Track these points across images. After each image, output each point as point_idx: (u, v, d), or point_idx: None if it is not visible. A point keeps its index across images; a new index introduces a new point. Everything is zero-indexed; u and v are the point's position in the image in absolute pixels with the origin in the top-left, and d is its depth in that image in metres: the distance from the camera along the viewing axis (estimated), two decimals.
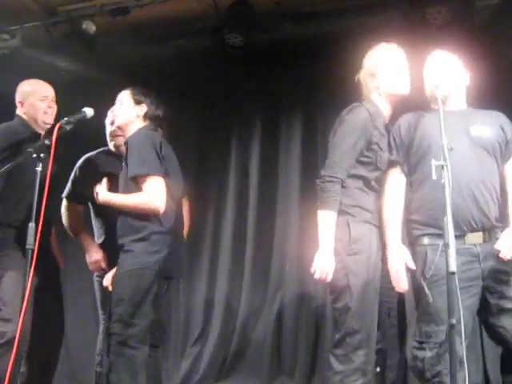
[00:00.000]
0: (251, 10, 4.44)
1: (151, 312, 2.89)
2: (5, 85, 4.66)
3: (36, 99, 3.34)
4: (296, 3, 4.47)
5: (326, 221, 2.71)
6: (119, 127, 3.20)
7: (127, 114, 3.16)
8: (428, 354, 2.54)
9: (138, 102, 3.16)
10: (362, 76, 2.99)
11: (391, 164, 2.82)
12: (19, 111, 3.37)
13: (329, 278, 2.66)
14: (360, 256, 2.70)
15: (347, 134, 2.80)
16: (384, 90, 2.91)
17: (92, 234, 3.56)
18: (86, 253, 3.44)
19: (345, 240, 2.71)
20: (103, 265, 3.37)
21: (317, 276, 2.67)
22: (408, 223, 2.77)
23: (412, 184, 2.78)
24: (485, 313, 2.66)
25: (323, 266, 2.66)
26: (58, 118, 3.28)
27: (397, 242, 2.70)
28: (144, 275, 2.86)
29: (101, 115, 3.22)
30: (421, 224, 2.70)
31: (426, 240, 2.66)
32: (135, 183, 2.93)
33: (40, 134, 3.27)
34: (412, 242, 2.73)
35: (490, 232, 2.65)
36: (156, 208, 2.88)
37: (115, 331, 2.86)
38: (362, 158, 2.79)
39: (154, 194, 2.88)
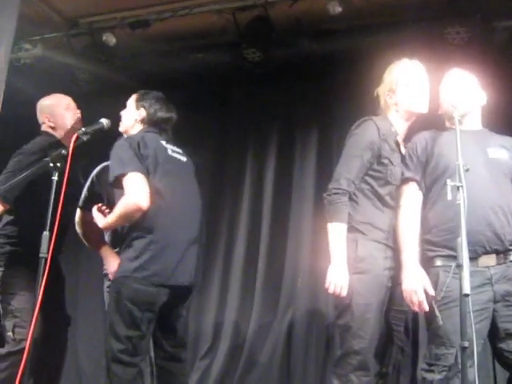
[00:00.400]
0: (270, 26, 4.49)
1: (145, 323, 2.74)
2: (26, 93, 4.75)
3: (61, 109, 3.41)
4: (315, 20, 4.50)
5: (336, 233, 2.67)
6: (123, 133, 3.17)
7: (128, 120, 3.15)
8: (437, 376, 2.47)
9: (138, 107, 3.13)
10: (381, 91, 2.96)
11: (408, 181, 2.77)
12: (45, 127, 3.41)
13: (344, 293, 2.61)
14: (364, 275, 2.65)
15: (354, 146, 2.79)
16: (402, 106, 2.89)
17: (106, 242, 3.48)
18: (106, 263, 3.33)
19: (351, 258, 2.65)
20: None
21: (331, 291, 2.63)
22: (421, 242, 2.70)
23: (426, 202, 2.73)
24: (493, 337, 2.59)
25: (337, 280, 2.61)
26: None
27: (414, 263, 2.61)
28: (124, 283, 2.75)
29: (119, 124, 3.24)
30: (434, 245, 2.64)
31: (438, 262, 2.60)
32: (119, 187, 2.83)
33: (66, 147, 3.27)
34: (424, 262, 2.65)
35: (504, 254, 2.60)
36: (137, 204, 2.71)
37: (106, 346, 2.76)
38: (372, 173, 2.77)
39: (131, 191, 2.74)
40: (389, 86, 2.91)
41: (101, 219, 2.93)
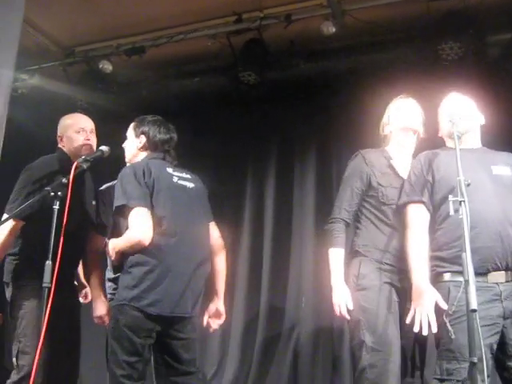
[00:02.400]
0: (265, 48, 4.53)
1: (146, 349, 2.73)
2: (23, 123, 4.77)
3: (73, 132, 3.36)
4: (309, 41, 4.54)
5: (333, 258, 2.89)
6: (129, 163, 3.16)
7: (130, 149, 3.16)
8: None
9: (137, 134, 3.13)
10: (381, 129, 3.15)
11: (415, 203, 2.79)
12: (60, 145, 3.40)
13: (350, 306, 2.72)
14: (368, 291, 2.76)
15: (345, 180, 3.06)
16: (396, 128, 3.04)
17: (102, 281, 3.37)
18: (93, 303, 3.27)
19: (354, 276, 2.82)
20: (107, 320, 3.18)
21: (337, 312, 2.76)
22: (430, 259, 2.69)
23: (435, 220, 2.74)
24: (500, 354, 2.57)
25: (337, 300, 2.76)
26: None
27: (425, 283, 2.60)
28: (122, 311, 2.74)
29: (119, 150, 3.23)
30: (445, 261, 2.64)
31: (448, 276, 2.60)
32: (121, 216, 2.86)
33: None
34: (434, 277, 2.66)
35: None
36: (139, 241, 2.75)
37: (109, 371, 2.76)
38: (367, 198, 2.96)
39: (136, 226, 2.77)
40: (384, 123, 3.12)
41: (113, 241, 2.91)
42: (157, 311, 2.74)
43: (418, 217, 2.76)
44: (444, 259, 2.65)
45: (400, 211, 2.84)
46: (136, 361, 2.72)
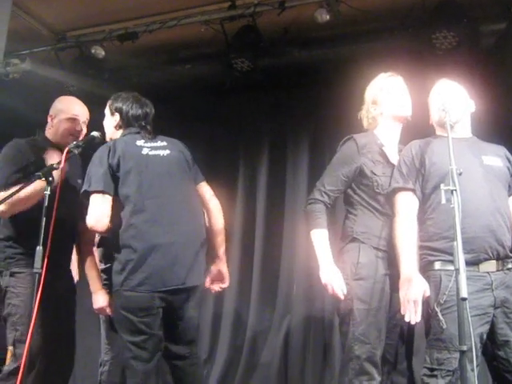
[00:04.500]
0: (259, 35, 4.49)
1: (149, 326, 2.74)
2: (15, 108, 4.73)
3: (64, 117, 3.31)
4: (303, 29, 4.52)
5: (317, 239, 2.85)
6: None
7: (108, 127, 3.15)
8: (440, 381, 2.46)
9: (112, 112, 3.11)
10: (365, 108, 3.07)
11: (403, 190, 2.78)
12: (47, 127, 3.34)
13: (344, 288, 2.70)
14: (364, 282, 2.73)
15: (333, 163, 2.98)
16: (387, 113, 2.99)
17: (99, 273, 3.29)
18: (93, 295, 3.18)
19: (353, 264, 2.77)
20: (108, 311, 3.13)
21: (330, 292, 2.73)
22: (420, 249, 2.70)
23: (425, 209, 2.74)
24: (489, 342, 2.59)
25: (327, 279, 2.73)
26: None
27: (414, 272, 2.60)
28: (117, 294, 2.81)
29: None
30: (435, 250, 2.64)
31: (439, 265, 2.61)
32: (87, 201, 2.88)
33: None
34: (424, 265, 2.66)
35: (503, 261, 2.62)
36: (91, 227, 2.80)
37: (123, 357, 2.82)
38: (361, 186, 2.90)
39: (90, 213, 2.79)
40: (372, 99, 3.03)
41: None
42: (148, 288, 2.75)
43: (407, 204, 2.75)
44: (435, 249, 2.64)
45: (389, 197, 2.83)
46: (141, 340, 2.75)
